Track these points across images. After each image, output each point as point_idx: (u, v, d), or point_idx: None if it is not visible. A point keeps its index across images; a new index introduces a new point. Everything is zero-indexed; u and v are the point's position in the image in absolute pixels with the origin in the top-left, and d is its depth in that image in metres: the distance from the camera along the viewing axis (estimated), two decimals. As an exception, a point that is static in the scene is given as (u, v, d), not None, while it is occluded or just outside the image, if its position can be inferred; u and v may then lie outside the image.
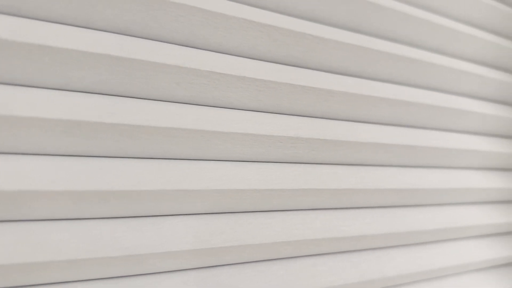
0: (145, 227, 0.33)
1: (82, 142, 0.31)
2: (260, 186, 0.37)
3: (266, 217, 0.38)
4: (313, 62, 0.41)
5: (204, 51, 0.36)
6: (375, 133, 0.44)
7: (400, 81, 0.47)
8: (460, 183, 0.50)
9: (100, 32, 0.32)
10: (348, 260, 0.42)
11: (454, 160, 0.50)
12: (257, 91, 0.37)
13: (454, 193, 0.50)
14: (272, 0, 0.39)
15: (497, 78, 0.54)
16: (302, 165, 0.40)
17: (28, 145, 0.29)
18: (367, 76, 0.45)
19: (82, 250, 0.30)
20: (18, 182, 0.28)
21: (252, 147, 0.37)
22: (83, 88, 0.31)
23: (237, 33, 0.36)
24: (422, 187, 0.46)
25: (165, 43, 0.34)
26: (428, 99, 0.48)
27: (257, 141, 0.37)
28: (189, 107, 0.35)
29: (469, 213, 0.52)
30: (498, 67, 0.56)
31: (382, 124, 0.45)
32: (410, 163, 0.47)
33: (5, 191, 0.28)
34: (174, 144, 0.34)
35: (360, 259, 0.42)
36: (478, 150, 0.52)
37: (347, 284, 0.40)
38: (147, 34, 0.33)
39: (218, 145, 0.35)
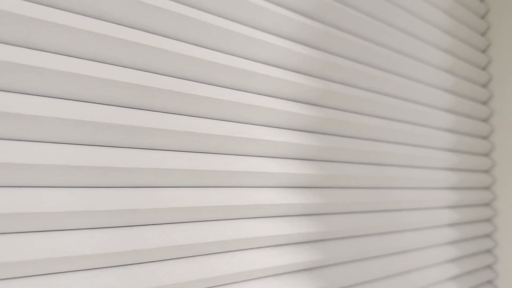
0: None
1: None
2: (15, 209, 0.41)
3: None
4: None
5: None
6: (156, 159, 0.50)
7: (191, 114, 0.54)
8: (251, 200, 0.58)
9: None
10: (124, 273, 0.47)
11: (245, 181, 0.58)
12: None
13: (244, 209, 0.58)
14: None
15: (291, 110, 0.64)
16: (82, 189, 0.46)
17: None
18: (151, 108, 0.51)
19: None
20: None
21: None
22: None
23: None
24: (208, 204, 0.54)
25: None
26: (219, 129, 0.55)
27: None
28: None
29: (260, 226, 0.60)
30: (292, 100, 0.66)
31: (166, 150, 0.52)
32: (198, 184, 0.54)
33: None
34: None
35: (136, 271, 0.48)
36: (269, 172, 0.60)
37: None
38: None
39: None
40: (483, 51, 1.17)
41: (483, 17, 1.18)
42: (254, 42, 0.59)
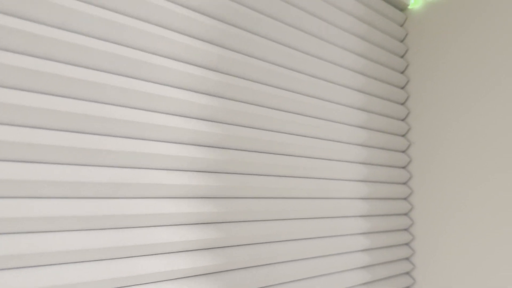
0: None
1: None
2: None
3: None
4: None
5: None
6: (47, 208, 0.54)
7: (81, 163, 0.58)
8: (145, 239, 0.63)
9: None
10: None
11: (140, 221, 0.63)
12: None
13: (139, 248, 0.63)
14: None
15: (191, 155, 0.69)
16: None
17: None
18: (39, 162, 0.55)
19: None
20: None
21: None
22: None
23: None
24: (100, 246, 0.58)
25: None
26: (112, 177, 0.60)
27: None
28: None
29: (156, 262, 0.65)
30: (193, 144, 0.71)
31: (55, 198, 0.56)
32: (88, 228, 0.59)
33: None
34: None
35: None
36: (165, 212, 0.65)
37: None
38: None
39: None
40: (402, 87, 1.26)
41: (402, 56, 1.27)
42: (153, 96, 0.64)
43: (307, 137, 0.93)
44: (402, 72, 1.26)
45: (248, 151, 0.79)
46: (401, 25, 1.27)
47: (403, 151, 1.24)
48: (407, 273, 1.21)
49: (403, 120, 1.25)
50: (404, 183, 1.24)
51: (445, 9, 1.19)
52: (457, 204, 1.12)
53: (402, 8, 1.27)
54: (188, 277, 0.69)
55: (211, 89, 0.73)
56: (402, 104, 1.26)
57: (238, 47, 0.77)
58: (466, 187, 1.10)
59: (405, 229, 1.22)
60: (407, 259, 1.21)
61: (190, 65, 0.70)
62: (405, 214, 1.23)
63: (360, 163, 1.08)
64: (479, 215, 1.07)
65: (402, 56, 1.27)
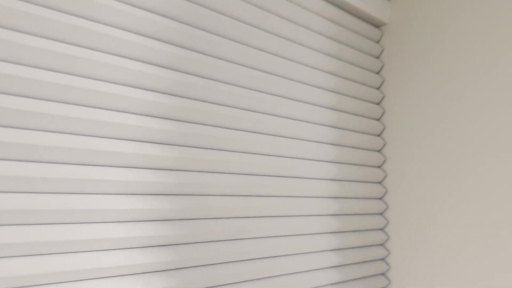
0: None
1: None
2: None
3: None
4: None
5: None
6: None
7: (28, 191, 0.60)
8: (93, 264, 0.65)
9: None
10: None
11: (88, 246, 0.65)
12: None
13: (87, 272, 0.64)
14: None
15: (144, 180, 0.71)
16: None
17: None
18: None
19: None
20: None
21: None
22: None
23: None
24: (48, 271, 0.60)
25: None
26: (60, 204, 0.62)
27: None
28: None
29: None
30: (147, 168, 0.73)
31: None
32: (37, 253, 0.61)
33: None
34: None
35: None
36: (114, 237, 0.67)
37: None
38: None
39: None
40: (378, 103, 1.27)
41: (378, 72, 1.28)
42: (105, 123, 0.66)
43: (274, 155, 0.95)
44: (378, 88, 1.28)
45: (206, 172, 0.81)
46: (377, 42, 1.29)
47: (379, 166, 1.25)
48: (383, 288, 1.21)
49: (378, 135, 1.26)
50: (380, 198, 1.24)
51: (421, 25, 1.20)
52: (433, 218, 1.12)
53: (378, 25, 1.28)
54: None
55: (167, 113, 0.75)
56: (378, 119, 1.27)
57: (197, 70, 0.79)
58: (442, 201, 1.11)
59: (381, 244, 1.22)
60: (383, 274, 1.21)
61: (145, 90, 0.72)
62: (381, 229, 1.23)
63: (333, 179, 1.09)
64: (455, 230, 1.08)
65: (378, 72, 1.28)
